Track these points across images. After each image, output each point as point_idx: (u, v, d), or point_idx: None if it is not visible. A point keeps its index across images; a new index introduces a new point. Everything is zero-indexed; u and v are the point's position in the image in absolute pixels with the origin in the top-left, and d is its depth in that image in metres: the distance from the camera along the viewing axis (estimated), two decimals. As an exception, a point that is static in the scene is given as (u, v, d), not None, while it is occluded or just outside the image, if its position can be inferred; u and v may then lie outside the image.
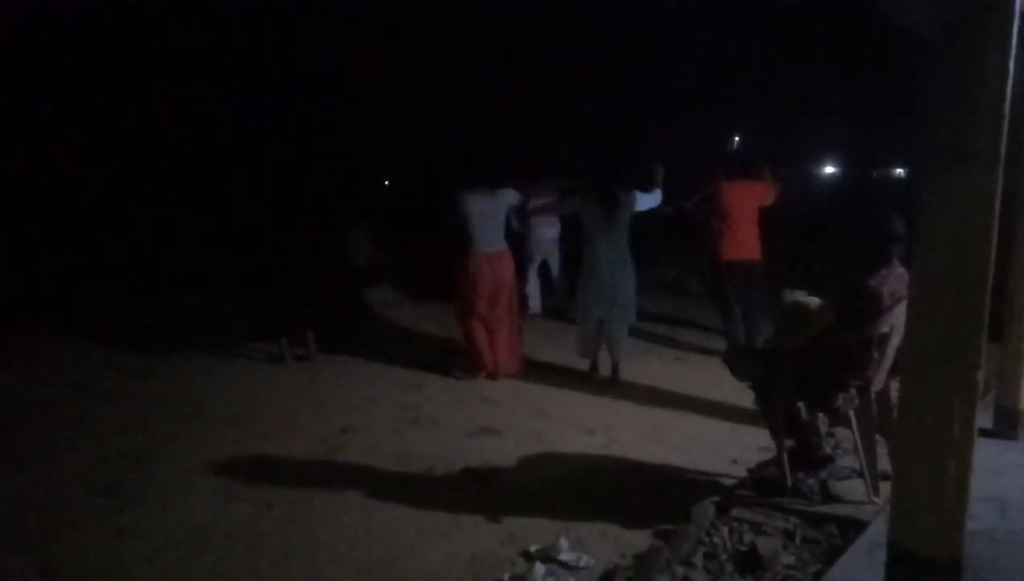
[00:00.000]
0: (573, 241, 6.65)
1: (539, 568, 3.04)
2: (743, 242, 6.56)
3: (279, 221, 6.55)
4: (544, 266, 8.25)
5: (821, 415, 3.74)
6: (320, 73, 11.78)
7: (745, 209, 6.56)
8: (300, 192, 6.61)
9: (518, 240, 7.39)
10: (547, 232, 7.98)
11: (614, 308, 5.85)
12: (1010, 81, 2.33)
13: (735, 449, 4.50)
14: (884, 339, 3.36)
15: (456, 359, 6.10)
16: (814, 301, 3.53)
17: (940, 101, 2.40)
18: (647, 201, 5.90)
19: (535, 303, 8.15)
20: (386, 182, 17.93)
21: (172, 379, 5.80)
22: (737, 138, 24.40)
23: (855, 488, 3.61)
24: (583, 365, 6.15)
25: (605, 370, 6.05)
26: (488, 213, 5.74)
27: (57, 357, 6.24)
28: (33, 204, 10.24)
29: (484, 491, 3.91)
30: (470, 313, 5.83)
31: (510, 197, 5.90)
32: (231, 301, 7.99)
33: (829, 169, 24.00)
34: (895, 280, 3.34)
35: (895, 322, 3.26)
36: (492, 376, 5.91)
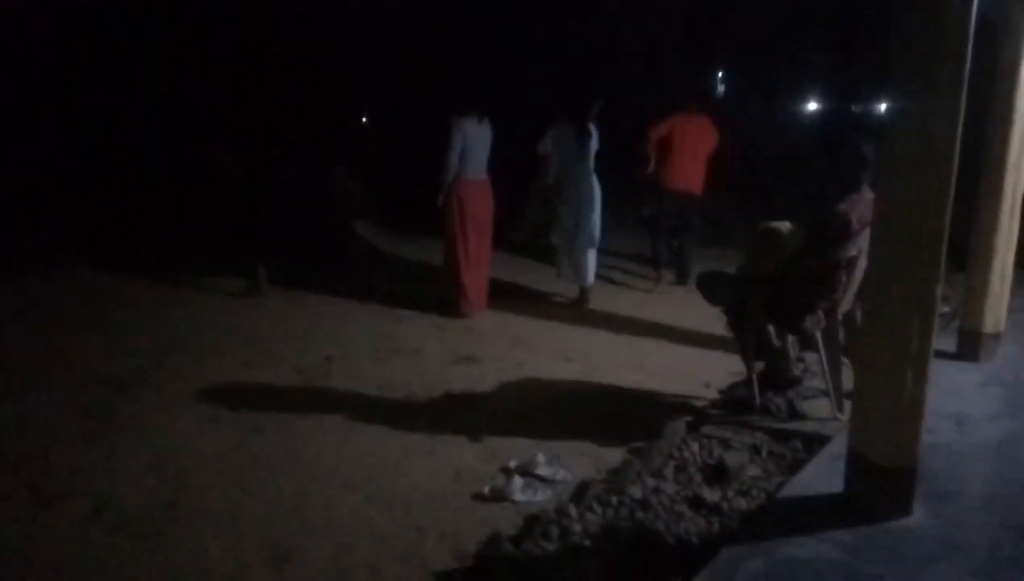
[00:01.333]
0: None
1: (517, 481, 3.18)
2: (686, 173, 6.69)
3: (261, 153, 6.51)
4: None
5: (791, 338, 3.88)
6: (300, 9, 11.53)
7: (694, 143, 6.68)
8: (281, 126, 6.53)
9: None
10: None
11: (588, 233, 6.10)
12: (975, 5, 2.38)
13: (708, 374, 4.64)
14: (852, 262, 3.47)
15: (440, 294, 6.06)
16: (785, 226, 3.62)
17: (906, 26, 2.45)
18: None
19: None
20: (364, 118, 17.69)
21: (154, 310, 5.82)
22: (720, 74, 24.20)
23: (821, 407, 3.76)
24: (562, 292, 6.35)
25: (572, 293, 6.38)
26: (478, 141, 5.71)
27: (36, 290, 6.23)
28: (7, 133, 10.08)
29: (465, 414, 4.03)
30: (461, 246, 5.77)
31: (490, 129, 5.86)
32: (211, 234, 7.97)
33: (811, 105, 23.97)
34: (864, 205, 3.42)
35: (863, 245, 3.36)
36: (464, 314, 5.85)
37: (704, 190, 6.88)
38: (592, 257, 6.23)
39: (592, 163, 6.13)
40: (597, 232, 6.18)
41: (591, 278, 6.28)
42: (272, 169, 6.40)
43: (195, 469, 3.35)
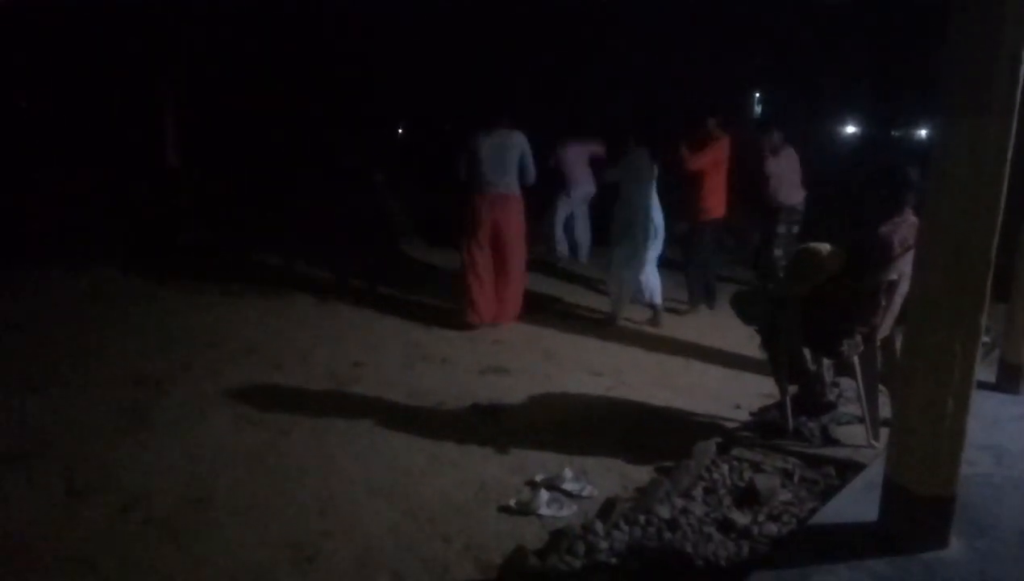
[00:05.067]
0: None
1: (543, 495, 3.16)
2: (715, 202, 6.60)
3: (309, 164, 6.56)
4: (570, 219, 8.38)
5: (826, 362, 3.82)
6: (338, 28, 11.77)
7: (718, 170, 6.59)
8: (325, 138, 6.58)
9: (549, 187, 7.64)
10: (586, 188, 8.11)
11: (639, 258, 5.99)
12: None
13: (739, 395, 4.58)
14: (892, 286, 3.40)
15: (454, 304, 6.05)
16: (824, 247, 3.57)
17: (958, 49, 2.41)
18: None
19: (562, 248, 8.31)
20: (399, 130, 17.88)
21: (189, 311, 5.91)
22: (758, 95, 24.08)
23: (855, 433, 3.69)
24: (594, 307, 6.34)
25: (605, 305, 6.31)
26: (496, 154, 5.66)
27: (74, 289, 6.35)
28: (45, 137, 10.40)
29: (493, 425, 4.01)
30: (468, 258, 5.76)
31: (522, 142, 5.76)
32: (252, 238, 8.09)
33: (850, 129, 23.76)
34: (907, 228, 3.37)
35: (904, 270, 3.30)
36: (471, 324, 5.77)
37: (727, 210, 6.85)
38: (656, 275, 6.12)
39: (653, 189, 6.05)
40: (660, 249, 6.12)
41: (659, 296, 6.14)
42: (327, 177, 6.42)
43: (224, 468, 3.38)
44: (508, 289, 5.91)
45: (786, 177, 7.60)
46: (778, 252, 7.69)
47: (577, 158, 8.06)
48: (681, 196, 6.57)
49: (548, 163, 7.65)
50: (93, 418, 3.85)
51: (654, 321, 6.18)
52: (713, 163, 6.49)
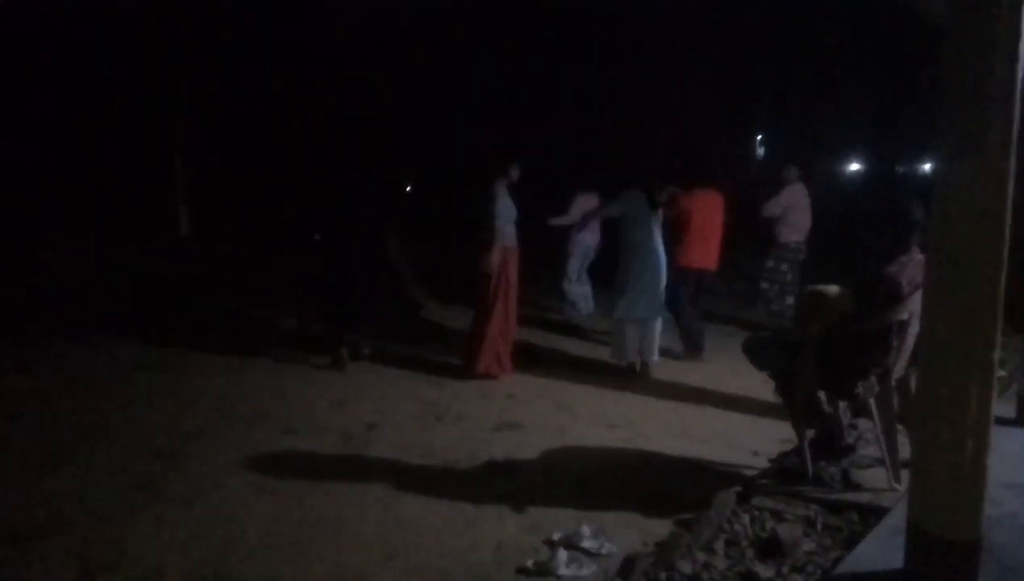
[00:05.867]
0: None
1: (562, 555, 3.10)
2: (701, 252, 6.69)
3: (320, 225, 6.59)
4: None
5: (842, 404, 3.78)
6: (346, 83, 12.00)
7: (705, 219, 6.67)
8: (338, 197, 6.59)
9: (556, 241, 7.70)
10: (590, 237, 8.22)
11: (656, 305, 5.99)
12: (1020, 70, 2.37)
13: (756, 441, 4.53)
14: (903, 326, 3.38)
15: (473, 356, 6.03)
16: (832, 289, 3.56)
17: (952, 91, 2.45)
18: None
19: (587, 305, 8.38)
20: (408, 188, 18.09)
21: (200, 377, 5.91)
22: (760, 137, 24.29)
23: (876, 476, 3.63)
24: (603, 357, 6.26)
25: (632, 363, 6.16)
26: (512, 207, 5.83)
27: (86, 359, 6.37)
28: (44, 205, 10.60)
29: (508, 483, 3.97)
30: (492, 308, 5.84)
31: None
32: (262, 303, 8.15)
33: (854, 166, 23.84)
34: (914, 267, 3.36)
35: (914, 309, 3.28)
36: (493, 376, 5.87)
37: (719, 265, 6.91)
38: (658, 328, 6.10)
39: (658, 234, 6.09)
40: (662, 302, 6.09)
41: (656, 354, 6.11)
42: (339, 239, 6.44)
43: (239, 539, 3.34)
44: (511, 339, 6.01)
45: (789, 215, 7.63)
46: (764, 285, 7.70)
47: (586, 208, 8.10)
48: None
49: (561, 216, 7.69)
50: (108, 493, 3.83)
51: (642, 375, 6.08)
52: (690, 213, 6.53)
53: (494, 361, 5.90)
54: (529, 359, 6.36)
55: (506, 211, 5.79)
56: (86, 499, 3.76)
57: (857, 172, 23.47)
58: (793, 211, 7.75)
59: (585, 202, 8.06)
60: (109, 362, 6.30)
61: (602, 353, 6.67)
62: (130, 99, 11.75)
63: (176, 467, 4.17)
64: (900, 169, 20.01)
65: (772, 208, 7.75)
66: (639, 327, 6.02)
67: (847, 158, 24.03)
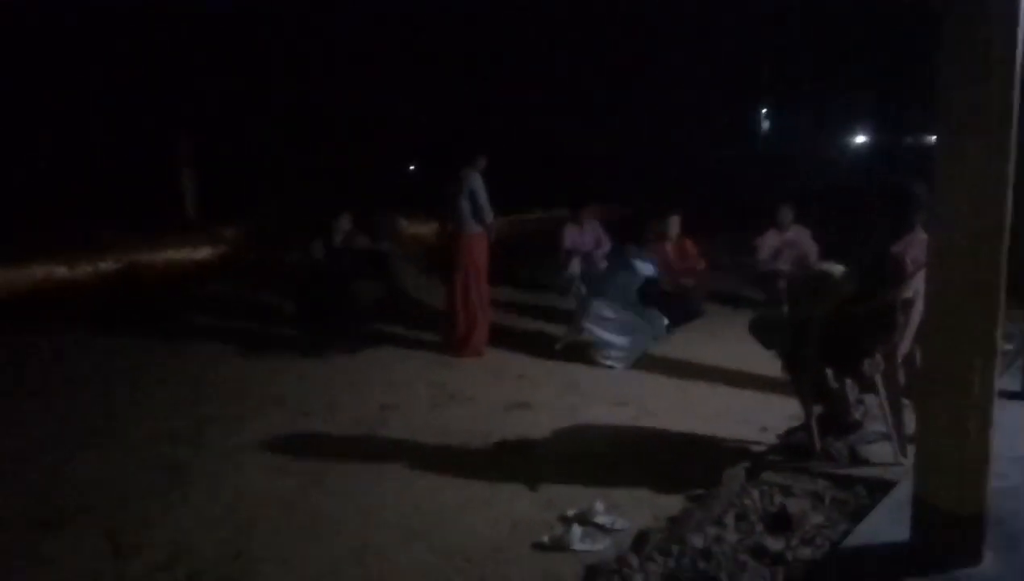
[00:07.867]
0: None
1: (576, 530, 3.19)
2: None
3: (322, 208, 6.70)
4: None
5: (849, 381, 3.83)
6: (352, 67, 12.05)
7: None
8: (341, 180, 6.71)
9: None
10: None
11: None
12: (1020, 46, 2.39)
13: (765, 418, 4.59)
14: (908, 304, 3.43)
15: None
16: (837, 268, 3.61)
17: (951, 68, 2.47)
18: None
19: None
20: (411, 167, 18.06)
21: (215, 363, 6.00)
22: (764, 110, 24.18)
23: (883, 451, 3.69)
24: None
25: None
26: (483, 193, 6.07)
27: (105, 347, 6.47)
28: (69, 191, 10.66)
29: (521, 461, 4.05)
30: (470, 289, 6.13)
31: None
32: (271, 287, 8.21)
33: (860, 138, 23.69)
34: (918, 246, 3.40)
35: (918, 287, 3.33)
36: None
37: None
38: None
39: None
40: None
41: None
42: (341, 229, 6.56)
43: (261, 519, 3.44)
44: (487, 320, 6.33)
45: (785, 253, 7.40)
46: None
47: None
48: None
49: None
50: (131, 477, 3.93)
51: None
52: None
53: (481, 343, 6.15)
54: (538, 342, 6.44)
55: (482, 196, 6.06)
56: (111, 482, 3.87)
57: (863, 144, 23.34)
58: (790, 248, 7.38)
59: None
60: (122, 349, 6.40)
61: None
62: (137, 81, 11.78)
63: (196, 450, 4.27)
64: (907, 140, 19.90)
65: (764, 258, 7.53)
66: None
67: (852, 131, 23.89)
